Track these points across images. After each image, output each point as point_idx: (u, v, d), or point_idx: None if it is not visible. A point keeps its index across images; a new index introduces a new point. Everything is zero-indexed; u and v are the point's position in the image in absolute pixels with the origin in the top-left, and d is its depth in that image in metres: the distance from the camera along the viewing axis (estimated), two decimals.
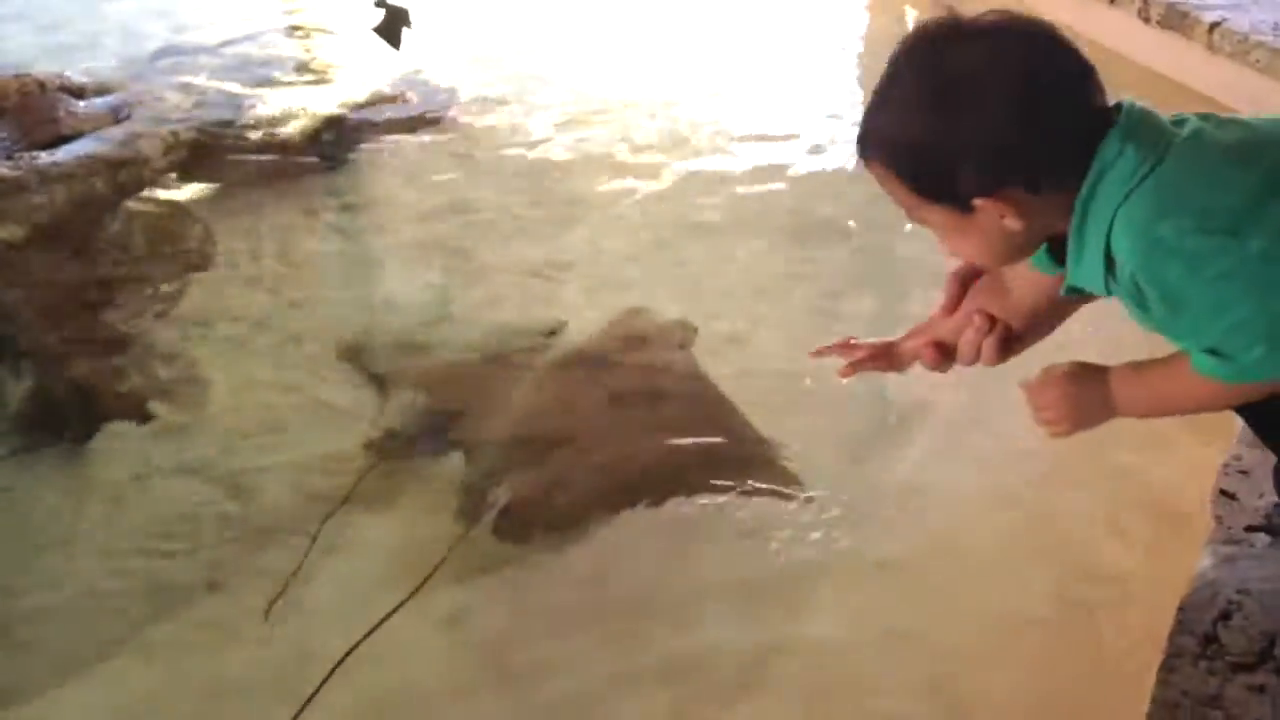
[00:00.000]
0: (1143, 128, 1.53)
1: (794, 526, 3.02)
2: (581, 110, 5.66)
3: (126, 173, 4.84)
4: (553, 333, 3.83)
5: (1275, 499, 2.18)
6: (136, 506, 3.20)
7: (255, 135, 5.29)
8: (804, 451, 3.24)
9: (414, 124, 5.52)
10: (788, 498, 3.10)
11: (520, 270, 4.30)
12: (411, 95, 5.79)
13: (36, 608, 2.89)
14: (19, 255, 4.29)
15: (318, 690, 2.58)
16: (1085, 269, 1.59)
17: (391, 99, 5.73)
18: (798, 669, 2.65)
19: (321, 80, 5.98)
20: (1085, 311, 1.87)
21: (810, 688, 2.60)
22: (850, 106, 5.54)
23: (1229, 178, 1.50)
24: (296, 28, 6.74)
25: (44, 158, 4.78)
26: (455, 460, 3.30)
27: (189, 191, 4.85)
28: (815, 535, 2.98)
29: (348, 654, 2.66)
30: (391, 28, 5.10)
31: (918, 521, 3.01)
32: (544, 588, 2.92)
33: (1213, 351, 1.52)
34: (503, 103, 5.75)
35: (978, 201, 1.55)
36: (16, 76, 5.35)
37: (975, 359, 1.83)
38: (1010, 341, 1.83)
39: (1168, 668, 1.92)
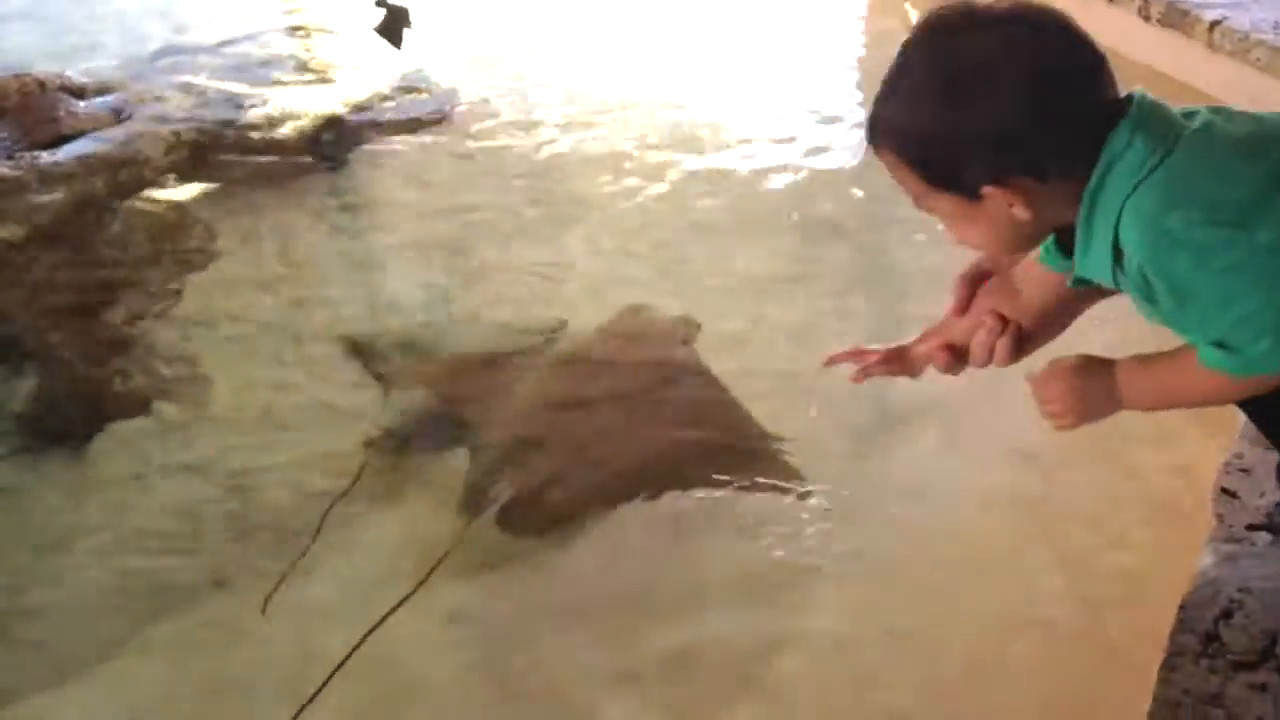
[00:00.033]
0: (1153, 119, 1.53)
1: (796, 522, 3.03)
2: (582, 110, 5.65)
3: (127, 173, 4.84)
4: (554, 331, 3.83)
5: (1276, 497, 2.18)
6: (138, 506, 3.20)
7: (256, 135, 5.29)
8: (806, 447, 3.25)
9: (415, 124, 5.51)
10: (790, 493, 3.11)
11: (521, 270, 4.30)
12: (412, 95, 5.78)
13: (38, 607, 2.90)
14: (20, 255, 4.29)
15: (320, 689, 2.59)
16: (1093, 260, 1.59)
17: (392, 99, 5.73)
18: (798, 666, 2.65)
19: (322, 80, 5.97)
20: (1093, 307, 1.86)
21: (811, 685, 2.61)
22: (851, 109, 5.53)
23: (1238, 171, 1.50)
24: (297, 27, 6.74)
25: (45, 157, 4.78)
26: (457, 457, 3.31)
27: (190, 191, 4.85)
28: (817, 532, 2.99)
29: (349, 654, 2.67)
30: (392, 27, 5.11)
31: (919, 519, 3.02)
32: (545, 584, 2.93)
33: (1219, 344, 1.52)
34: (503, 103, 5.74)
35: (986, 190, 1.55)
36: (17, 76, 5.35)
37: (988, 360, 1.82)
38: (1022, 341, 1.82)
39: (1169, 666, 1.92)
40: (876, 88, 1.63)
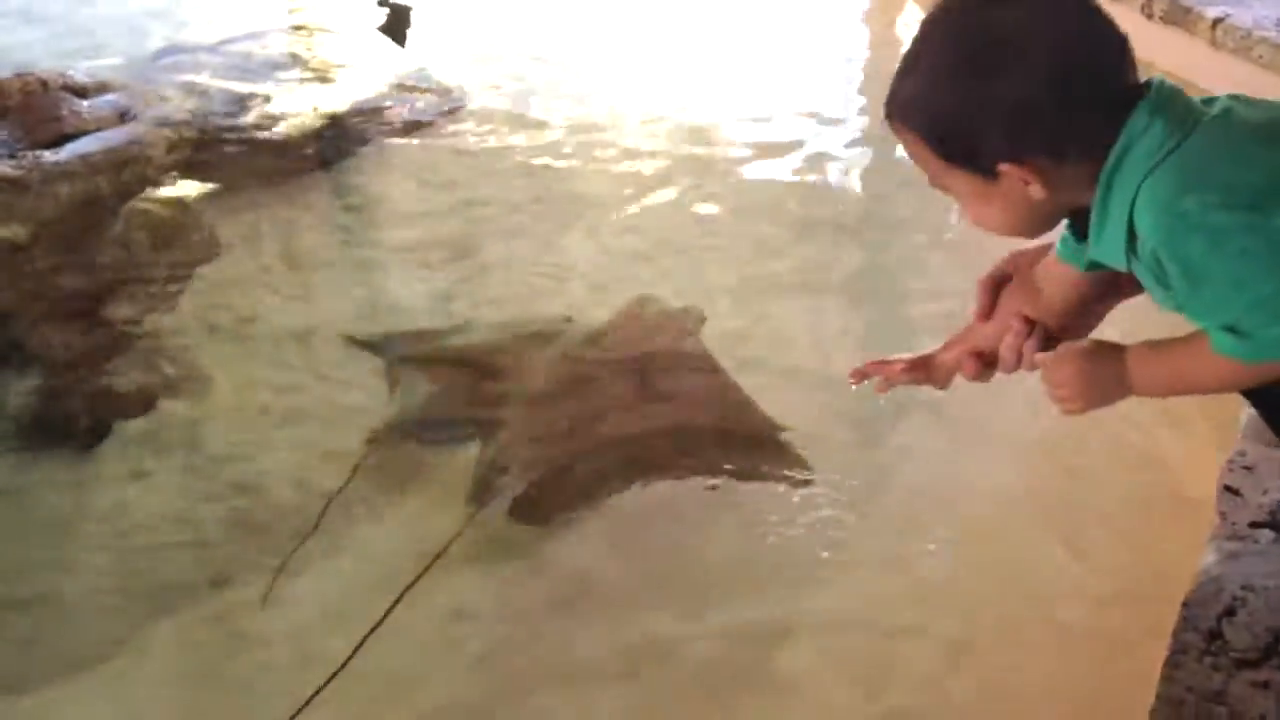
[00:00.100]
0: (1172, 103, 1.53)
1: (801, 512, 3.03)
2: (585, 109, 5.65)
3: (130, 172, 4.83)
4: (557, 329, 3.83)
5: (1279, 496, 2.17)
6: (139, 505, 3.20)
7: (258, 134, 5.28)
8: (811, 438, 3.26)
9: (417, 123, 5.51)
10: (795, 483, 3.12)
11: (524, 268, 4.30)
12: (415, 94, 5.78)
13: (38, 605, 2.89)
14: (22, 254, 4.29)
15: (320, 689, 2.58)
16: (1107, 243, 1.58)
17: (395, 98, 5.73)
18: (803, 660, 2.66)
19: (324, 79, 5.96)
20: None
21: (815, 676, 2.61)
22: (852, 110, 5.53)
23: (1255, 155, 1.49)
24: (299, 27, 6.73)
25: (47, 157, 4.77)
26: (461, 453, 3.31)
27: (192, 190, 4.85)
28: (821, 522, 2.99)
29: (351, 655, 2.66)
30: (395, 26, 5.10)
31: (923, 514, 3.02)
32: (550, 576, 2.94)
33: (1231, 329, 1.51)
34: (505, 101, 5.74)
35: (1003, 167, 1.55)
36: (19, 75, 5.33)
37: (1017, 365, 1.80)
38: (1049, 342, 1.81)
39: (1172, 664, 1.91)
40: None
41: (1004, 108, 1.51)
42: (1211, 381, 1.61)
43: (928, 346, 1.92)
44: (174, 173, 4.93)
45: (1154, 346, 1.67)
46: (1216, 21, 4.84)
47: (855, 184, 4.88)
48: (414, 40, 5.20)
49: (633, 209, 4.72)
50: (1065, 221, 1.69)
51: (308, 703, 2.55)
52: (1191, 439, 3.06)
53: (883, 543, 2.94)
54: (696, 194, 4.81)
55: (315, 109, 5.53)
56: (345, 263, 4.47)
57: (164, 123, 5.21)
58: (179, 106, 5.42)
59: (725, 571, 2.90)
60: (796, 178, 4.92)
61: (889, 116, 1.64)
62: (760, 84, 5.94)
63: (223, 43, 6.35)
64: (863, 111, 5.50)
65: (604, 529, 3.04)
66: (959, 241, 4.20)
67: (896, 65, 1.60)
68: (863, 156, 5.08)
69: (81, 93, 5.38)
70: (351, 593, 2.88)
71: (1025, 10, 1.52)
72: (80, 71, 5.62)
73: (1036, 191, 1.56)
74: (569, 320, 3.88)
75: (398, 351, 3.76)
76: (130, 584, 2.93)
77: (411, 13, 5.06)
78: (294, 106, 5.53)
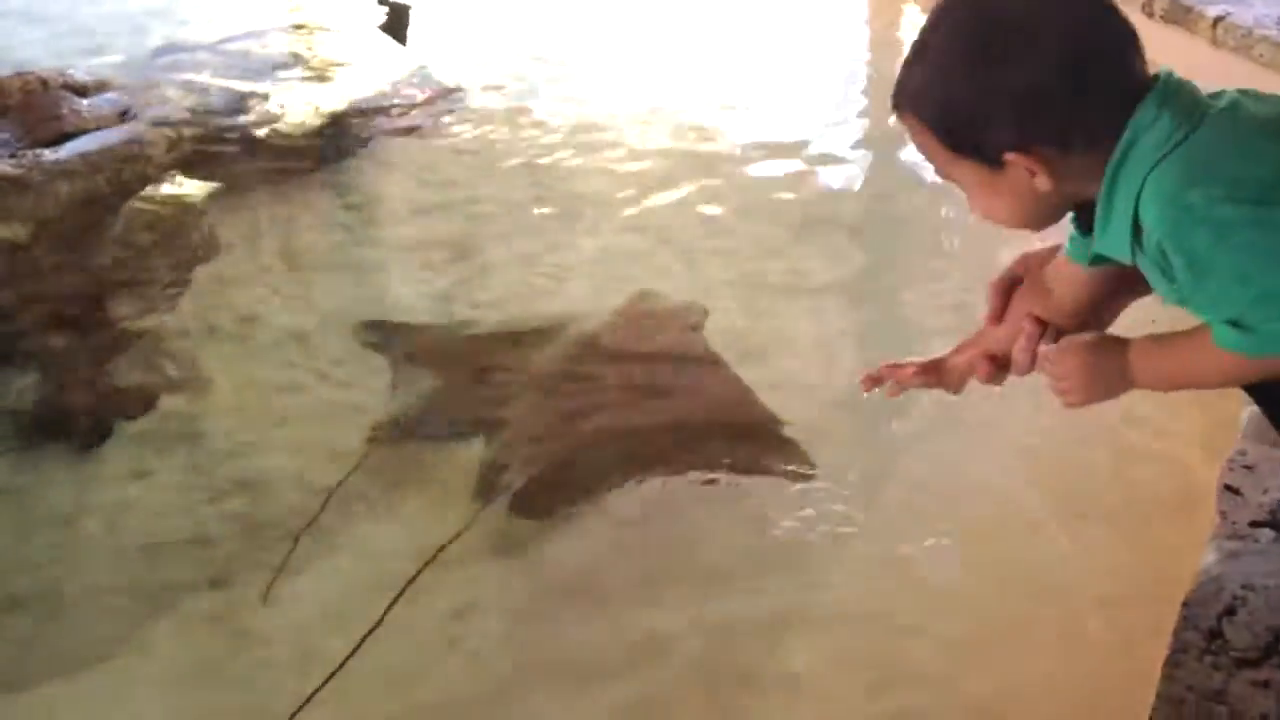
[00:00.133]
0: (1180, 96, 1.53)
1: (803, 508, 3.03)
2: (586, 109, 5.65)
3: (130, 170, 4.83)
4: (558, 327, 3.83)
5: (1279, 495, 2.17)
6: (140, 504, 3.20)
7: (258, 133, 5.29)
8: (813, 434, 3.26)
9: (417, 121, 5.51)
10: (797, 478, 3.12)
11: (524, 268, 4.29)
12: (415, 93, 5.78)
13: (39, 604, 2.89)
14: (22, 253, 4.29)
15: (320, 687, 2.58)
16: (1112, 236, 1.58)
17: (395, 96, 5.73)
18: (804, 656, 2.66)
19: (324, 78, 5.97)
20: None
21: (816, 673, 2.61)
22: (853, 110, 5.53)
23: (1262, 149, 1.49)
24: (299, 25, 6.73)
25: (47, 155, 4.77)
26: (463, 450, 3.31)
27: (192, 189, 4.84)
28: (824, 519, 3.00)
29: (351, 653, 2.66)
30: (396, 24, 5.10)
31: (925, 510, 3.02)
32: (551, 571, 2.94)
33: (1235, 323, 1.51)
34: (506, 100, 5.74)
35: (1009, 156, 1.54)
36: (19, 74, 5.34)
37: (1031, 367, 1.80)
38: None
39: (1172, 663, 1.92)
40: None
41: (1012, 96, 1.51)
42: (1214, 376, 1.60)
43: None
44: (174, 171, 4.93)
45: (1157, 340, 1.67)
46: (1217, 20, 4.83)
47: (856, 184, 4.88)
48: (414, 39, 5.19)
49: (633, 209, 4.72)
50: (1070, 215, 1.68)
51: (308, 700, 2.55)
52: (1191, 438, 3.06)
53: (884, 539, 2.94)
54: (697, 193, 4.81)
55: (315, 108, 5.53)
56: (345, 262, 4.47)
57: (164, 121, 5.22)
58: (179, 105, 5.43)
59: (727, 567, 2.90)
60: (798, 177, 4.91)
61: (896, 106, 1.64)
62: (761, 83, 5.94)
63: (223, 41, 6.35)
64: (864, 112, 5.50)
65: (604, 524, 3.04)
66: (959, 241, 4.21)
67: (897, 65, 1.60)
68: (864, 156, 5.08)
69: (82, 91, 5.39)
70: (352, 591, 2.88)
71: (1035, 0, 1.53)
72: (80, 70, 5.63)
73: (1042, 182, 1.56)
74: (570, 318, 3.88)
75: (399, 348, 3.76)
76: (130, 583, 2.93)
77: (411, 12, 5.06)
78: (294, 105, 5.53)
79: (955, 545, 2.90)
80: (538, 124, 5.49)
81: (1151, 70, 1.56)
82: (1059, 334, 1.79)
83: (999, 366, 1.86)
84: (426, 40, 6.29)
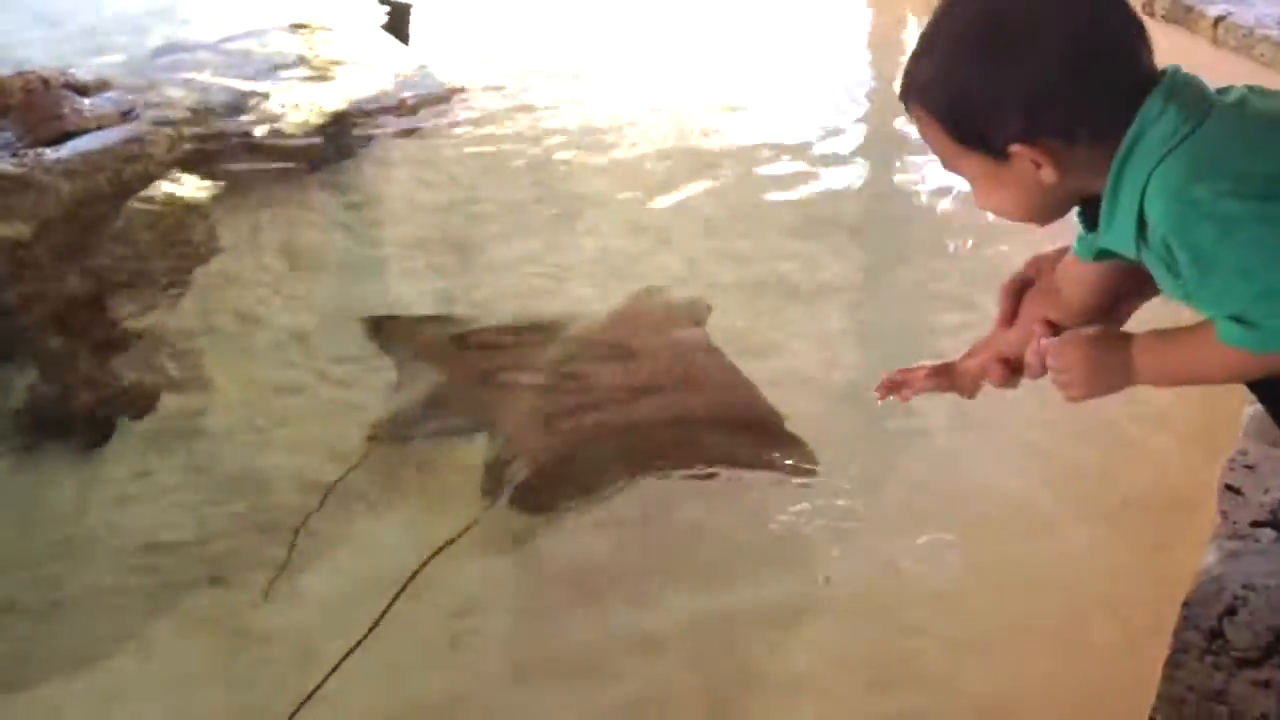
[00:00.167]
0: (1186, 91, 1.53)
1: (804, 503, 3.04)
2: (586, 108, 5.65)
3: (131, 169, 4.84)
4: (559, 325, 3.83)
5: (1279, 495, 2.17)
6: (141, 503, 3.20)
7: (259, 132, 5.29)
8: (816, 430, 3.26)
9: (418, 121, 5.51)
10: (799, 473, 3.13)
11: (525, 267, 4.29)
12: (416, 92, 5.78)
13: (39, 604, 2.89)
14: (24, 252, 4.29)
15: (320, 685, 2.58)
16: (1116, 231, 1.58)
17: (396, 96, 5.73)
18: (805, 654, 2.65)
19: (325, 77, 5.97)
20: None
21: (817, 671, 2.61)
22: (854, 112, 5.53)
23: (1269, 145, 1.49)
24: (300, 25, 6.73)
25: (49, 155, 4.78)
26: (459, 449, 3.31)
27: (193, 188, 4.85)
28: (826, 515, 3.00)
29: (352, 650, 2.66)
30: (397, 24, 5.10)
31: (925, 509, 3.02)
32: (553, 565, 2.94)
33: (1238, 319, 1.50)
34: (507, 100, 5.74)
35: (1014, 148, 1.54)
36: (21, 74, 5.36)
37: (1043, 370, 1.79)
38: None
39: (1173, 663, 1.92)
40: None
41: (1019, 87, 1.51)
42: (1217, 372, 1.60)
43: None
44: (175, 171, 4.93)
45: (1160, 335, 1.67)
46: (1218, 20, 4.84)
47: (857, 184, 4.87)
48: (415, 39, 5.19)
49: (634, 208, 4.72)
50: (1076, 211, 1.68)
51: (309, 698, 2.55)
52: (1192, 438, 3.06)
53: (884, 537, 2.94)
54: (698, 193, 4.81)
55: (316, 108, 5.53)
56: (346, 261, 4.47)
57: (165, 121, 5.23)
58: (180, 105, 5.44)
59: (727, 562, 2.90)
60: (799, 178, 4.91)
61: (904, 98, 1.64)
62: (762, 84, 5.94)
63: (224, 41, 6.37)
64: (865, 113, 5.49)
65: (606, 519, 3.05)
66: (959, 241, 4.20)
67: (898, 67, 1.60)
68: (865, 157, 5.08)
69: (83, 91, 5.40)
70: (352, 589, 2.87)
71: None
72: (82, 69, 5.64)
73: (1048, 175, 1.56)
74: (571, 317, 3.88)
75: (401, 347, 3.76)
76: (131, 582, 2.93)
77: (412, 11, 5.06)
78: (295, 105, 5.54)
79: (956, 544, 2.90)
80: (538, 123, 5.49)
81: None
82: None
83: (1012, 370, 1.86)
84: (427, 40, 6.29)
